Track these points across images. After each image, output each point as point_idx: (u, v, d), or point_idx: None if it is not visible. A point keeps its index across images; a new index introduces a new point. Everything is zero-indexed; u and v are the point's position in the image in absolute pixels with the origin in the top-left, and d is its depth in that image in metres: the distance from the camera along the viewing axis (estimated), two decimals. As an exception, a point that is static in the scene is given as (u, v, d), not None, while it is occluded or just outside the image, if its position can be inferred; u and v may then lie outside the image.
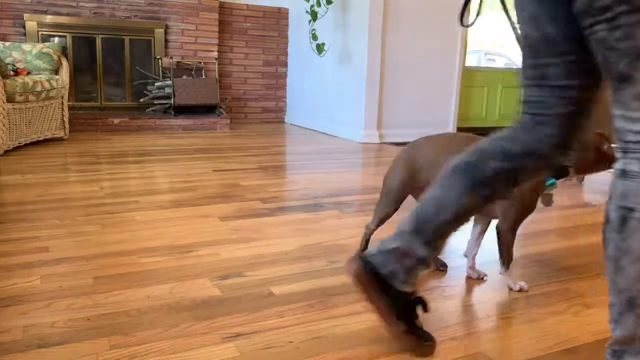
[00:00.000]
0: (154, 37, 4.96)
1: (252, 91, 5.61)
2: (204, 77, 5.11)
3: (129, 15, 4.84)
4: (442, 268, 1.67)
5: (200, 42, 5.14)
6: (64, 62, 4.03)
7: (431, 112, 4.74)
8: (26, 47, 3.96)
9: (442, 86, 4.74)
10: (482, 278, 1.59)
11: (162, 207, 2.29)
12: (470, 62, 8.73)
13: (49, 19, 4.55)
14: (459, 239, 2.00)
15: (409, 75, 4.58)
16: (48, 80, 3.72)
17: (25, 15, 4.47)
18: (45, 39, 4.59)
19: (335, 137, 4.77)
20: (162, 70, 4.97)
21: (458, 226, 1.16)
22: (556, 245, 1.97)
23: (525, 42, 1.06)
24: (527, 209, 1.50)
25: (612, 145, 1.48)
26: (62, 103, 3.97)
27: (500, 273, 1.58)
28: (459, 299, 1.47)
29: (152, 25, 4.93)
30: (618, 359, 0.97)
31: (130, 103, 5.03)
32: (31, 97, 3.57)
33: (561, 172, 1.47)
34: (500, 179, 1.12)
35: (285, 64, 5.70)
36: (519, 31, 1.09)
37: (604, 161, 1.50)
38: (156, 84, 4.88)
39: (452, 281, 1.59)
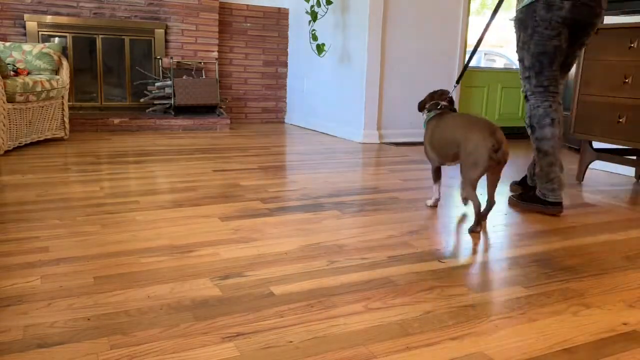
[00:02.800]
0: (154, 37, 4.97)
1: (252, 91, 5.61)
2: (204, 77, 5.12)
3: (129, 16, 4.85)
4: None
5: (200, 42, 5.14)
6: (64, 62, 4.03)
7: (431, 112, 4.74)
8: (26, 47, 3.96)
9: (442, 86, 4.74)
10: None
11: (163, 207, 2.29)
12: (471, 62, 8.71)
13: (49, 19, 4.55)
14: (459, 239, 2.00)
15: (409, 75, 4.58)
16: (48, 80, 3.73)
17: (26, 16, 4.47)
18: (46, 39, 4.59)
19: (335, 137, 4.78)
20: (162, 71, 4.98)
21: None
22: (556, 245, 1.97)
23: None
24: None
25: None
26: (63, 103, 3.97)
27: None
28: (459, 298, 1.47)
29: (152, 26, 4.94)
30: None
31: (130, 103, 5.04)
32: (31, 97, 3.57)
33: None
34: None
35: (285, 64, 5.71)
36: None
37: None
38: (156, 84, 4.88)
39: (452, 281, 1.59)
